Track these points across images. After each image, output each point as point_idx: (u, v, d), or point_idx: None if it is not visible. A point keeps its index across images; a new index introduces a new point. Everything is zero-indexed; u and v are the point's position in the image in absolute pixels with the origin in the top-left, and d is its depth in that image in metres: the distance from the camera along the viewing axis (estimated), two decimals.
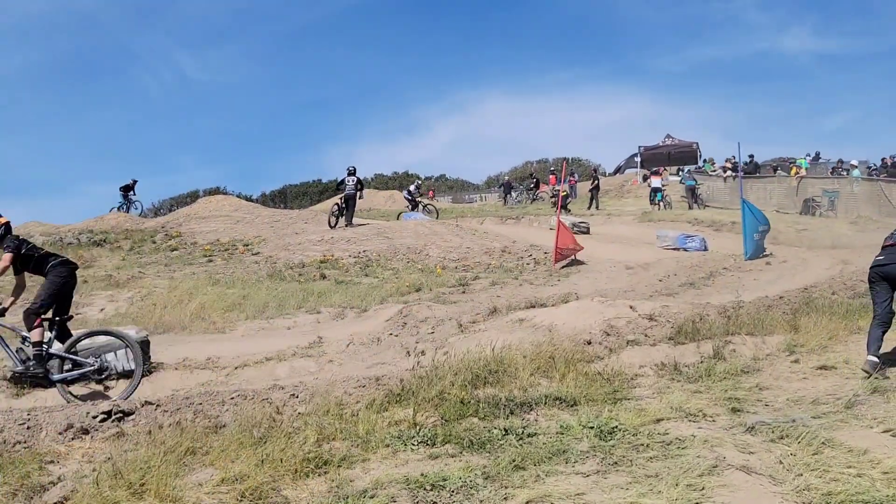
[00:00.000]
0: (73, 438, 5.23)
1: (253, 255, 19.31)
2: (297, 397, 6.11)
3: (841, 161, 30.97)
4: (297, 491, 4.04)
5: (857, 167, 29.65)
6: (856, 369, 6.25)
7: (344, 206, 23.83)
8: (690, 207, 28.99)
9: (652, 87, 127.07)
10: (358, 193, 23.89)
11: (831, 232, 21.54)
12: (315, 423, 5.07)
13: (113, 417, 5.58)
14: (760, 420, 4.88)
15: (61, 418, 5.48)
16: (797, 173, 29.79)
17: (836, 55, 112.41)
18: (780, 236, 20.70)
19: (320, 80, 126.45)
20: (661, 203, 28.92)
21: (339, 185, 24.82)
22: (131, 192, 30.69)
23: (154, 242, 21.44)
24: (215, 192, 53.32)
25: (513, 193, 43.04)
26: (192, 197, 53.29)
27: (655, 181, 30.50)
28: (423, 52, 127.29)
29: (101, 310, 12.30)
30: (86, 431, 5.35)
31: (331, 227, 23.22)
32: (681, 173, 36.58)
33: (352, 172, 23.71)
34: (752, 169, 31.47)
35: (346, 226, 23.27)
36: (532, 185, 41.21)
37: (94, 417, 5.54)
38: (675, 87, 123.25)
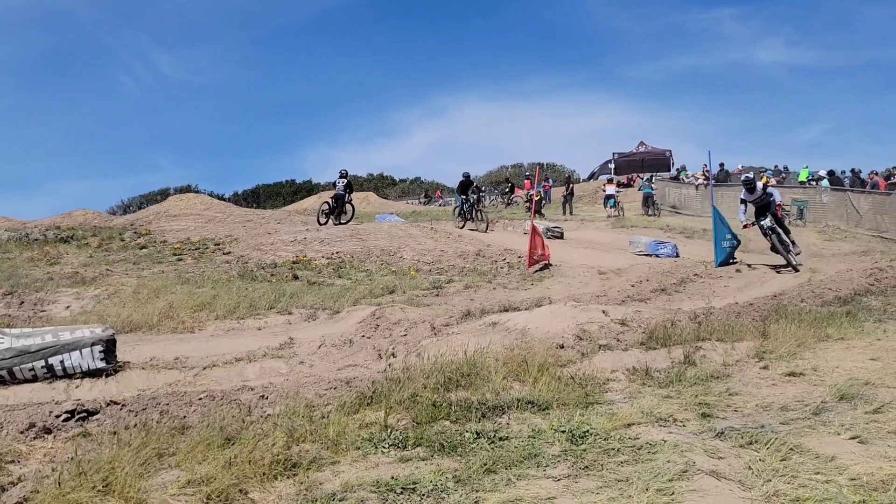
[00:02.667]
0: (34, 438, 5.12)
1: (224, 254, 19.11)
2: (267, 398, 6.04)
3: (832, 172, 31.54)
4: (264, 493, 3.99)
5: (825, 178, 30.11)
6: (824, 376, 6.31)
7: (334, 205, 25.00)
8: (647, 214, 30.86)
9: (628, 95, 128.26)
10: (347, 195, 25.14)
11: (800, 241, 21.77)
12: (284, 424, 5.02)
13: (77, 417, 5.47)
14: (730, 426, 4.91)
15: (23, 417, 5.36)
16: (766, 182, 30.16)
17: (809, 67, 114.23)
18: (751, 244, 20.91)
19: (298, 81, 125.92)
20: (614, 209, 31.23)
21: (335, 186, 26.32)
22: None
23: (123, 240, 21.14)
24: (186, 190, 52.94)
25: (481, 197, 43.41)
26: (163, 195, 52.87)
27: (609, 188, 33.42)
28: (403, 56, 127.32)
29: (67, 307, 12.08)
30: (48, 431, 5.24)
31: (320, 224, 24.15)
32: (639, 181, 37.87)
33: (343, 175, 25.52)
34: (723, 177, 31.89)
35: (336, 224, 24.39)
36: (507, 190, 41.43)
37: (58, 416, 5.42)
38: (651, 96, 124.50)
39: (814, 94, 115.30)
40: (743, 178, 17.34)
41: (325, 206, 25.33)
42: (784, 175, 32.89)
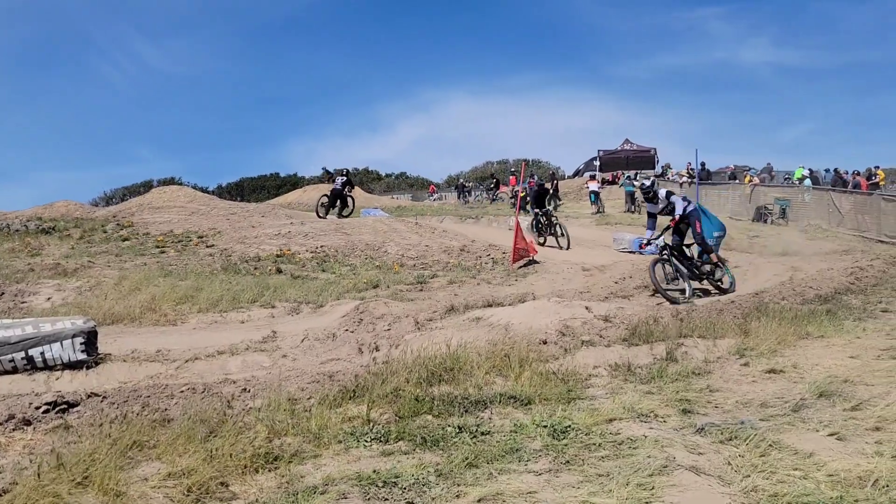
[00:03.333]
0: (14, 429, 5.08)
1: (207, 247, 19.02)
2: (249, 392, 6.02)
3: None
4: (245, 486, 3.98)
5: (807, 177, 30.37)
6: (804, 373, 6.37)
7: (332, 199, 25.70)
8: (629, 211, 31.15)
9: (614, 92, 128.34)
10: (346, 190, 25.78)
11: (782, 239, 21.96)
12: (266, 418, 5.00)
13: (57, 409, 5.44)
14: (710, 422, 4.94)
15: (2, 408, 5.32)
16: (751, 181, 30.40)
17: (794, 67, 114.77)
18: (733, 242, 21.04)
19: (283, 74, 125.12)
20: (597, 205, 31.78)
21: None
22: None
23: (105, 232, 20.99)
24: (170, 182, 52.69)
25: (466, 194, 43.78)
26: (146, 187, 52.56)
27: (592, 185, 34.03)
28: (388, 51, 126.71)
29: (48, 298, 11.99)
30: (28, 422, 5.20)
31: (319, 216, 25.00)
32: (622, 178, 38.39)
33: (342, 173, 26.53)
34: (705, 176, 32.11)
35: (338, 217, 25.07)
36: (492, 186, 41.51)
37: (38, 408, 5.39)
38: (637, 94, 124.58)
39: (798, 94, 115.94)
40: (639, 184, 14.92)
41: (325, 199, 25.97)
42: (773, 174, 33.02)
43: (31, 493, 3.66)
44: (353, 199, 26.59)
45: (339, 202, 25.76)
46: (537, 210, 21.62)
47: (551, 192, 33.19)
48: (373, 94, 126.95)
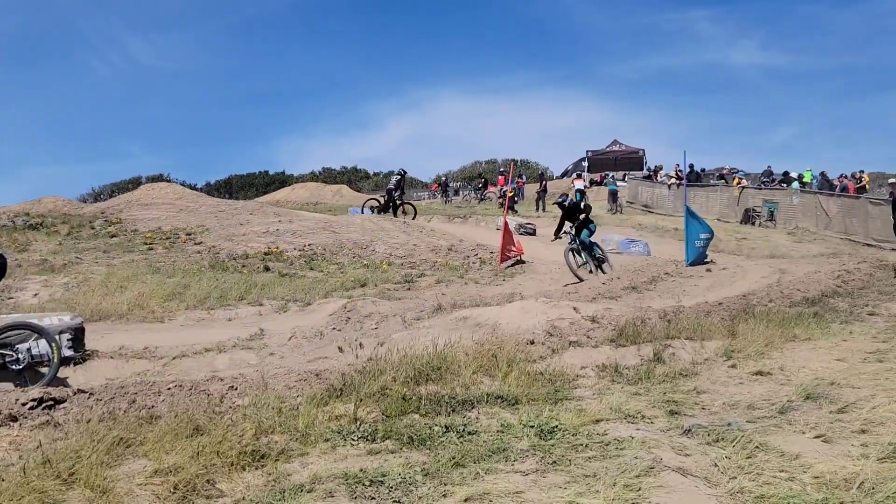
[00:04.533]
0: (0, 426, 5.05)
1: (195, 244, 18.95)
2: (236, 389, 6.00)
3: (787, 173, 31.97)
4: (232, 484, 3.97)
5: (795, 179, 30.52)
6: (790, 376, 6.40)
7: (386, 201, 26.15)
8: (611, 210, 31.83)
9: (603, 93, 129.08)
10: (395, 190, 26.10)
11: (770, 242, 22.10)
12: (253, 415, 4.99)
13: (43, 405, 5.40)
14: (697, 423, 4.96)
15: None
16: (739, 183, 30.54)
17: (782, 70, 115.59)
18: (721, 244, 21.15)
19: (273, 71, 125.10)
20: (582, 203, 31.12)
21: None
22: None
23: (93, 228, 20.87)
24: (158, 179, 52.46)
25: (449, 192, 43.95)
26: (135, 183, 52.29)
27: (578, 183, 34.53)
28: (379, 48, 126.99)
29: (35, 294, 11.92)
30: (14, 419, 5.17)
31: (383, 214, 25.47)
32: (606, 179, 38.78)
33: (399, 173, 26.93)
34: (693, 178, 32.25)
35: (394, 216, 25.35)
36: (480, 185, 41.56)
37: (24, 405, 5.35)
38: (626, 95, 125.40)
39: (785, 97, 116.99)
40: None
41: (375, 203, 26.79)
42: (773, 177, 32.96)
43: (17, 489, 3.64)
44: (402, 202, 26.56)
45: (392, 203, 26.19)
46: (571, 230, 16.56)
47: (540, 191, 33.41)
48: (363, 92, 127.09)
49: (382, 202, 26.38)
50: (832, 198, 25.54)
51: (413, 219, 25.54)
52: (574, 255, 15.93)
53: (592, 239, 16.70)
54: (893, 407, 5.15)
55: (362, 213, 25.36)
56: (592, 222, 16.76)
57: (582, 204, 17.14)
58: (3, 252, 7.61)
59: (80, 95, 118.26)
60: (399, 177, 26.63)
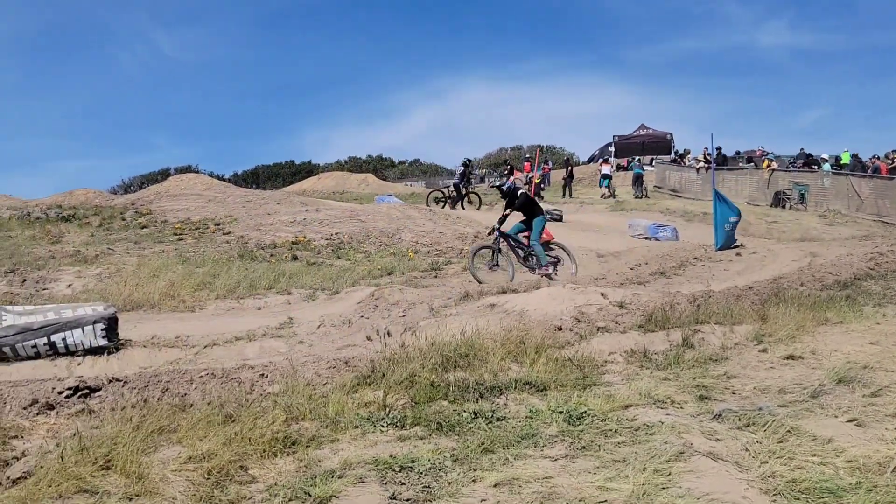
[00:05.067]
0: (37, 414, 5.16)
1: (224, 234, 19.12)
2: (267, 377, 6.07)
3: (809, 156, 31.44)
4: (264, 470, 4.02)
5: (826, 161, 30.06)
6: (822, 359, 6.33)
7: (452, 192, 26.35)
8: (637, 196, 31.57)
9: (629, 77, 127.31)
10: (461, 183, 26.30)
11: (801, 225, 21.83)
12: (284, 403, 5.05)
13: (79, 393, 5.50)
14: (727, 408, 4.93)
15: (26, 393, 5.39)
16: (769, 166, 30.14)
17: (811, 51, 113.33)
18: (751, 228, 20.93)
19: (298, 62, 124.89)
20: (608, 188, 32.07)
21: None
22: None
23: (123, 219, 21.13)
24: (187, 170, 52.90)
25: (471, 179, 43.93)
26: (163, 175, 52.78)
27: (605, 168, 34.22)
28: (403, 37, 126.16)
29: (69, 285, 12.10)
30: (51, 407, 5.27)
31: (450, 207, 25.54)
32: (631, 163, 38.56)
33: (462, 164, 27.21)
34: (721, 161, 31.89)
35: (452, 208, 25.49)
36: (506, 172, 41.42)
37: (60, 393, 5.45)
38: (652, 79, 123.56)
39: (814, 79, 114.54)
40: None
41: (439, 194, 27.02)
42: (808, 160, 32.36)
43: (55, 476, 3.72)
44: (467, 191, 26.61)
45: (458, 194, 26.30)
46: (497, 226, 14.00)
47: (567, 177, 33.25)
48: (387, 81, 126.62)
49: (447, 194, 26.63)
50: (864, 179, 25.13)
51: (478, 209, 25.63)
52: (481, 254, 13.40)
53: (557, 240, 14.39)
54: None
55: (427, 206, 25.23)
56: (540, 215, 13.68)
57: (519, 192, 13.81)
58: None
59: (109, 90, 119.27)
60: (464, 167, 26.89)
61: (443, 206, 25.58)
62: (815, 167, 29.57)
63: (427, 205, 25.57)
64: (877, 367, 5.92)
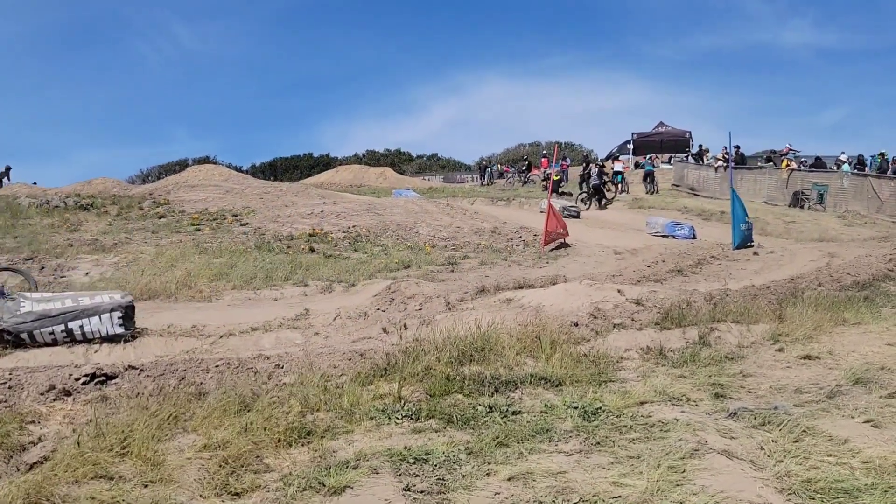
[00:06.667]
0: (54, 399, 5.20)
1: (241, 225, 19.22)
2: (282, 368, 6.09)
3: (817, 158, 31.26)
4: (279, 459, 4.05)
5: (846, 161, 29.76)
6: (839, 360, 6.29)
7: (592, 192, 26.82)
8: (648, 192, 31.74)
9: (649, 74, 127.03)
10: (601, 180, 26.94)
11: (819, 225, 21.63)
12: (299, 393, 5.07)
13: (96, 380, 5.55)
14: (743, 406, 4.91)
15: (43, 379, 5.44)
16: (788, 166, 29.89)
17: (834, 49, 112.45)
18: (769, 228, 20.79)
19: (318, 56, 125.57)
20: (621, 185, 31.70)
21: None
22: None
23: (141, 209, 21.29)
24: (205, 161, 53.08)
25: (490, 175, 44.05)
26: (182, 165, 53.05)
27: (617, 165, 34.01)
28: (422, 33, 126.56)
29: (87, 273, 12.21)
30: (68, 393, 5.32)
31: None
32: (641, 159, 38.60)
33: (597, 164, 28.61)
34: (739, 160, 31.65)
35: (599, 209, 26.18)
36: (524, 168, 41.33)
37: (77, 379, 5.50)
38: (672, 75, 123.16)
39: (836, 77, 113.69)
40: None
41: (584, 195, 27.06)
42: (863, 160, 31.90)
43: (72, 460, 3.76)
44: (611, 189, 27.90)
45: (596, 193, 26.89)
46: None
47: (585, 174, 33.26)
48: (406, 76, 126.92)
49: (590, 194, 27.03)
50: (884, 180, 24.85)
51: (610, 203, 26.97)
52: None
53: None
54: None
55: (584, 206, 26.01)
56: None
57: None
58: None
59: (130, 82, 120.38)
60: (598, 167, 27.93)
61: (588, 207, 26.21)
62: (836, 167, 29.27)
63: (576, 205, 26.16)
64: (894, 369, 5.87)
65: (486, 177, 45.31)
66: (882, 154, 30.18)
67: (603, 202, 26.75)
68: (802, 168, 30.26)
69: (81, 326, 7.52)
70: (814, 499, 3.44)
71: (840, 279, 11.29)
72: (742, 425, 4.56)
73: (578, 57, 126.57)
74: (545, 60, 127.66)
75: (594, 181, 27.09)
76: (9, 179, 33.23)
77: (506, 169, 44.06)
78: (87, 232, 17.00)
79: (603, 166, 30.12)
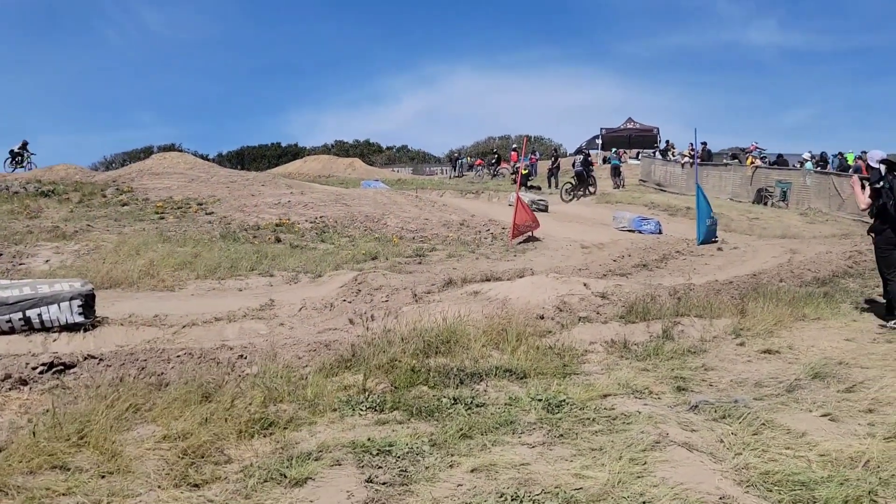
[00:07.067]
0: (10, 389, 5.11)
1: (207, 214, 18.99)
2: (246, 358, 6.04)
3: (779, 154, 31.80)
4: (240, 450, 4.01)
5: (808, 160, 30.23)
6: (799, 354, 6.39)
7: (577, 182, 27.21)
8: (615, 186, 31.78)
9: (618, 70, 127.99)
10: (584, 170, 27.32)
11: (782, 222, 21.91)
12: (262, 384, 5.03)
13: (53, 370, 5.45)
14: (704, 399, 4.97)
15: None
16: (753, 163, 30.28)
17: (799, 50, 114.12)
18: (733, 224, 21.02)
19: (287, 43, 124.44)
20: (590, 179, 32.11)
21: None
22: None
23: (104, 196, 20.93)
24: (170, 148, 52.41)
25: (460, 168, 44.19)
26: (146, 153, 52.27)
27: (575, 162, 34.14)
28: (394, 22, 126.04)
29: (47, 261, 11.98)
30: (24, 382, 5.22)
31: (564, 200, 26.28)
32: (607, 153, 38.87)
33: (583, 152, 29.54)
34: (706, 156, 31.99)
35: (580, 197, 26.76)
36: (493, 161, 41.39)
37: (34, 369, 5.40)
38: (642, 72, 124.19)
39: (802, 78, 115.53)
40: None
41: (568, 185, 27.50)
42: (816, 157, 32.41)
43: (27, 451, 3.69)
44: (594, 179, 27.90)
45: (580, 183, 27.24)
46: None
47: (553, 168, 33.42)
48: (377, 66, 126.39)
49: (574, 184, 27.43)
50: (845, 178, 25.25)
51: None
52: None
53: None
54: None
55: (564, 200, 26.40)
56: None
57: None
58: None
59: (94, 65, 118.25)
60: (584, 156, 28.61)
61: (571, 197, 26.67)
62: (799, 165, 29.72)
63: (562, 198, 26.58)
64: (852, 364, 5.98)
65: (456, 168, 45.47)
66: (840, 154, 30.70)
67: (587, 191, 27.25)
68: (764, 165, 30.67)
69: (40, 315, 7.39)
70: (771, 491, 3.49)
71: (801, 275, 11.48)
72: (703, 418, 4.62)
73: (550, 52, 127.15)
74: (517, 54, 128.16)
75: (578, 168, 27.62)
76: (29, 153, 32.13)
77: (479, 162, 44.08)
78: (48, 219, 16.68)
79: (588, 155, 30.90)
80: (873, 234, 8.07)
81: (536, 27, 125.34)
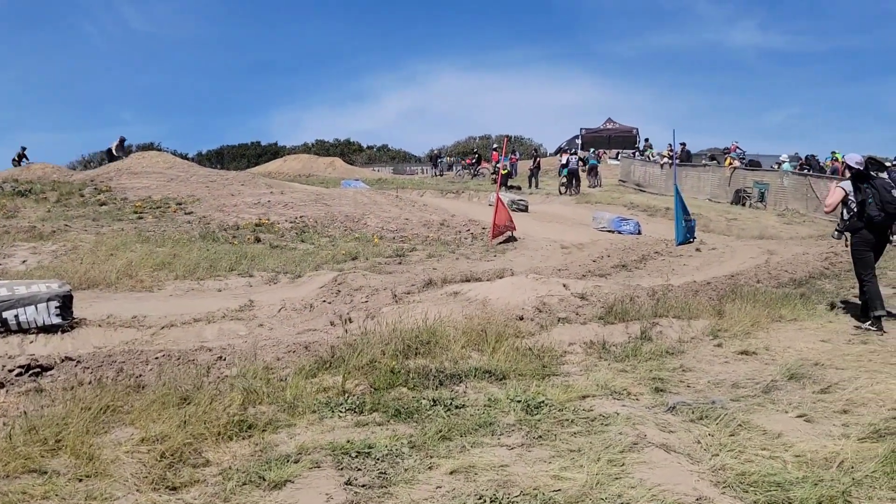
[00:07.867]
0: None
1: (186, 214, 18.87)
2: (225, 360, 6.01)
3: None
4: (219, 453, 3.99)
5: (786, 161, 30.51)
6: (775, 356, 6.45)
7: (571, 178, 29.41)
8: (591, 185, 32.43)
9: (599, 71, 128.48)
10: (580, 168, 30.04)
11: (760, 223, 22.12)
12: (241, 386, 5.00)
13: (30, 372, 5.40)
14: (682, 400, 5.01)
15: None
16: (731, 164, 30.52)
17: (780, 52, 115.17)
18: (711, 224, 21.22)
19: (268, 41, 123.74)
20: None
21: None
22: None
23: (82, 196, 20.73)
24: (149, 147, 51.86)
25: (442, 167, 44.36)
26: (125, 152, 51.70)
27: (564, 158, 34.04)
28: (377, 21, 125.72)
29: (24, 262, 11.86)
30: (1, 385, 5.17)
31: (561, 194, 29.17)
32: (586, 153, 39.13)
33: (574, 152, 31.55)
34: (685, 157, 32.21)
35: (574, 194, 28.80)
36: (474, 161, 41.44)
37: (11, 371, 5.35)
38: (622, 73, 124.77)
39: (783, 79, 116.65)
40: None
41: (564, 181, 29.71)
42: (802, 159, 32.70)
43: (3, 455, 3.66)
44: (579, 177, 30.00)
45: (574, 180, 29.32)
46: None
47: (534, 168, 33.48)
48: (359, 65, 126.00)
49: (570, 180, 29.26)
50: (822, 180, 25.53)
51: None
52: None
53: None
54: (875, 388, 5.21)
55: (561, 193, 28.38)
56: None
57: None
58: None
59: (73, 61, 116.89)
60: (575, 156, 30.59)
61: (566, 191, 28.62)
62: (776, 166, 29.99)
63: (559, 192, 28.80)
64: (827, 365, 6.05)
65: (437, 167, 45.56)
66: (813, 156, 31.02)
67: (580, 187, 28.91)
68: (742, 166, 30.93)
69: (17, 316, 7.32)
70: (747, 491, 3.53)
71: (778, 276, 11.60)
72: (680, 419, 4.66)
73: (531, 52, 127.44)
74: (498, 54, 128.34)
75: (572, 167, 29.22)
76: (27, 160, 32.39)
77: (469, 160, 44.13)
78: (25, 219, 16.51)
79: (576, 154, 32.53)
80: (847, 234, 8.16)
81: (518, 26, 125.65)
